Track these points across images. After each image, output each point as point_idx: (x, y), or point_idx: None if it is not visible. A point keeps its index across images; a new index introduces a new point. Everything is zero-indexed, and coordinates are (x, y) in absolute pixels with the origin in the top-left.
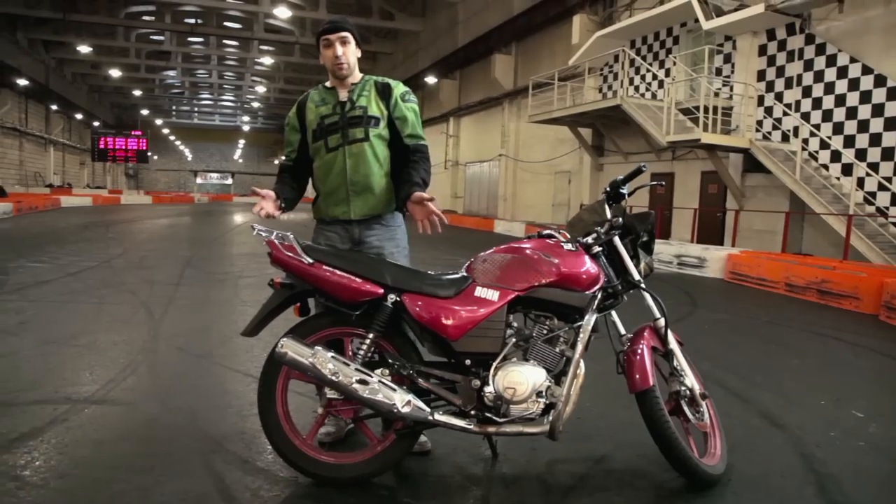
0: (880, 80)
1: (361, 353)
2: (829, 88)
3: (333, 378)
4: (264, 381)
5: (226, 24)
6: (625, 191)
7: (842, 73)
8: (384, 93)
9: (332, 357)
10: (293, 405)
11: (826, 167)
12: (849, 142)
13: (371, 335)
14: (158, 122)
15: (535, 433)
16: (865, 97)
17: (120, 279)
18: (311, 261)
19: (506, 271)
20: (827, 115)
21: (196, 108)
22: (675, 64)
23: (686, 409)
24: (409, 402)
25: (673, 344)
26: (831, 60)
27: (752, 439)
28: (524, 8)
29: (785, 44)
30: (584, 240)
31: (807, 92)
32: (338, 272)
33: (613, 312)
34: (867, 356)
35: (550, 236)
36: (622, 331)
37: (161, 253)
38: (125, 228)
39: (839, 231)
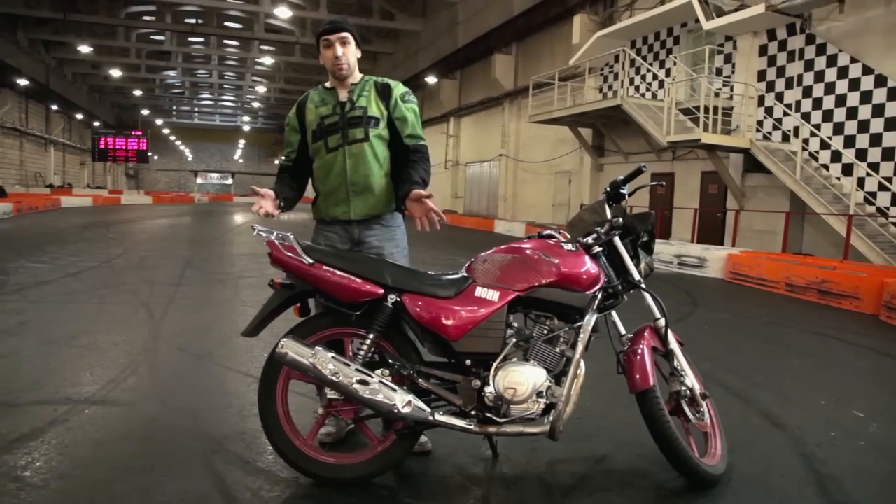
0: (881, 81)
1: (362, 353)
2: (830, 89)
3: (334, 378)
4: (265, 382)
5: (226, 24)
6: (625, 191)
7: (842, 73)
8: (384, 93)
9: (333, 357)
10: (293, 406)
11: (826, 167)
12: (849, 142)
13: (371, 335)
14: (159, 122)
15: (536, 433)
16: (866, 97)
17: (120, 279)
18: (311, 261)
19: (506, 271)
20: (827, 116)
21: (196, 108)
22: (675, 64)
23: (686, 409)
24: (409, 403)
25: (673, 344)
26: (832, 61)
27: (752, 439)
28: (524, 8)
29: (785, 44)
30: (585, 240)
31: (807, 92)
32: (338, 272)
33: (614, 312)
34: (867, 356)
35: (551, 236)
36: (622, 331)
37: (161, 253)
38: (125, 228)
39: (839, 231)
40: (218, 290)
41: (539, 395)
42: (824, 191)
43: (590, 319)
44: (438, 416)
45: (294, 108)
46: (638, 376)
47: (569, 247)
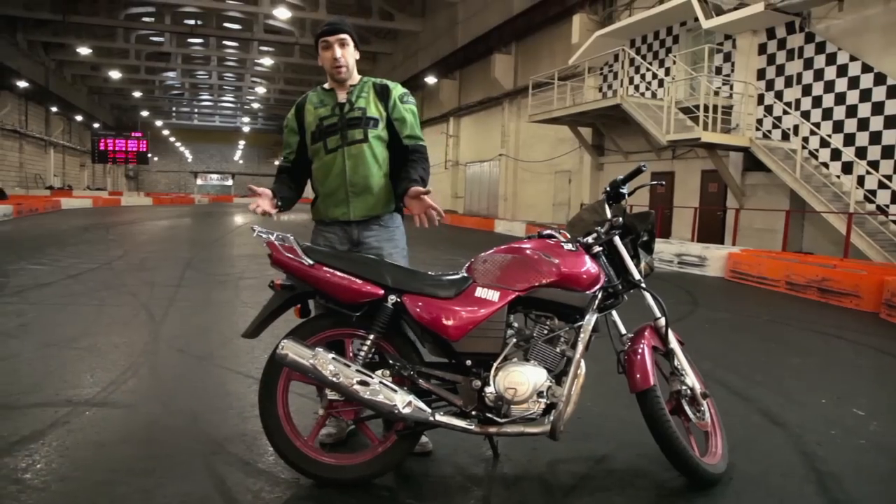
0: (880, 79)
1: (362, 354)
2: (829, 87)
3: (334, 379)
4: (265, 383)
5: (225, 25)
6: (625, 190)
7: (841, 71)
8: (383, 94)
9: (333, 358)
10: (294, 407)
11: (826, 165)
12: (849, 140)
13: (372, 336)
14: (158, 123)
15: (536, 433)
16: (865, 95)
17: (120, 281)
18: (311, 262)
19: (506, 272)
20: (827, 114)
21: (196, 110)
22: (674, 63)
23: (687, 408)
24: (409, 403)
25: (673, 343)
26: (831, 59)
27: (752, 438)
28: (524, 8)
29: (785, 42)
30: (585, 240)
31: (807, 90)
32: (338, 273)
33: (614, 312)
34: (868, 354)
35: (551, 236)
36: (623, 330)
37: (161, 254)
38: (125, 230)
39: (839, 229)
40: (218, 292)
41: (539, 395)
42: (824, 189)
43: (590, 319)
44: (439, 417)
45: (293, 109)
46: (638, 376)
47: (569, 246)
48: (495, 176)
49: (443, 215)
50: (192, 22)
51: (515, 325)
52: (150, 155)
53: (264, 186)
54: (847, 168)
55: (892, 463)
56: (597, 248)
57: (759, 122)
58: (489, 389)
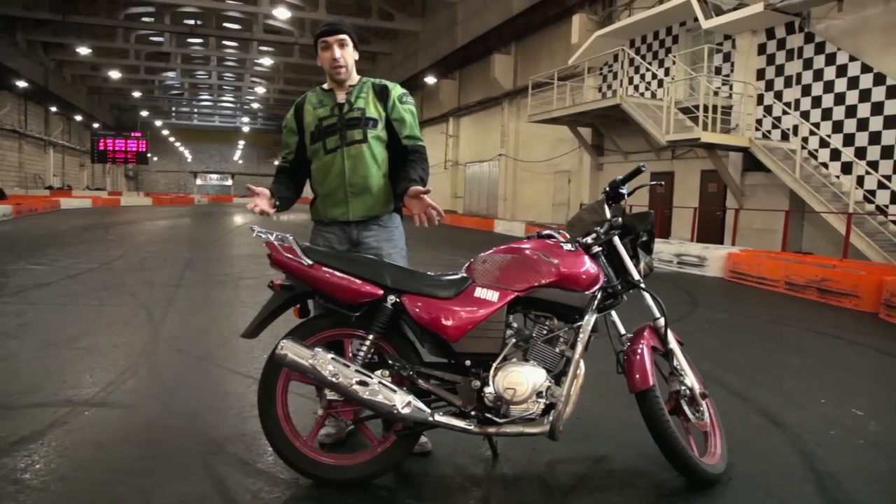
0: (879, 79)
1: (361, 354)
2: (829, 87)
3: (333, 379)
4: (264, 383)
5: (225, 25)
6: (624, 190)
7: (841, 71)
8: (382, 94)
9: (332, 358)
10: (293, 407)
11: (826, 165)
12: (848, 140)
13: (371, 336)
14: (158, 123)
15: (536, 433)
16: (865, 95)
17: (120, 281)
18: (310, 262)
19: (505, 272)
20: (826, 114)
21: (196, 110)
22: (674, 63)
23: (686, 408)
24: (409, 403)
25: (673, 343)
26: (830, 59)
27: (752, 438)
28: (523, 8)
29: (784, 42)
30: (584, 240)
31: (806, 90)
32: (337, 273)
33: (613, 312)
34: (867, 354)
35: (550, 236)
36: (622, 330)
37: (161, 254)
38: (125, 230)
39: (839, 229)
40: (218, 292)
41: (539, 395)
42: (823, 189)
43: (589, 319)
44: (438, 417)
45: (292, 109)
46: (637, 376)
47: (568, 247)
48: (495, 176)
49: (443, 215)
50: (191, 22)
51: (515, 325)
52: (149, 155)
53: (263, 186)
54: (846, 168)
55: (891, 463)
56: (596, 249)
57: (759, 122)
58: (488, 389)
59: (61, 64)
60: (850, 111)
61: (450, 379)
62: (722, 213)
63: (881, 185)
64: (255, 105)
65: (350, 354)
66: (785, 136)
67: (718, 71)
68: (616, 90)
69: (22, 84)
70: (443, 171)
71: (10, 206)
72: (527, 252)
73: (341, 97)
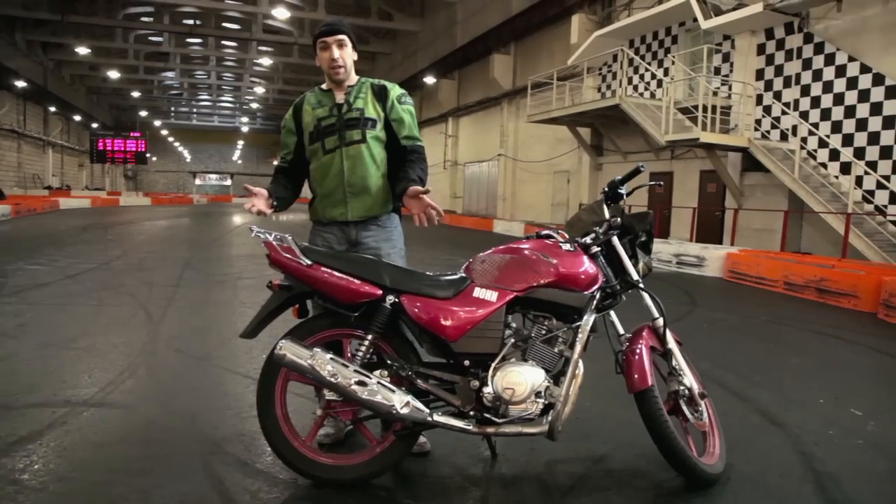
0: (878, 79)
1: (360, 354)
2: (828, 87)
3: (332, 379)
4: (263, 383)
5: (224, 25)
6: (623, 191)
7: (840, 71)
8: (381, 95)
9: (331, 358)
10: (292, 407)
11: (825, 166)
12: (847, 140)
13: (370, 336)
14: (157, 123)
15: (534, 433)
16: (864, 96)
17: (119, 281)
18: (309, 262)
19: (504, 272)
20: (825, 114)
21: (195, 110)
22: (673, 63)
23: (685, 408)
24: (407, 403)
25: (672, 343)
26: (829, 59)
27: (751, 438)
28: (523, 8)
29: (783, 43)
30: (583, 240)
31: (805, 91)
32: (336, 274)
33: (612, 312)
34: (866, 354)
35: (549, 236)
36: (621, 331)
37: (160, 255)
38: (124, 230)
39: (838, 229)
40: (217, 292)
41: (537, 395)
42: (822, 189)
43: (588, 319)
44: (437, 417)
45: (290, 110)
46: (636, 376)
47: (567, 247)
48: (494, 176)
49: (442, 215)
50: (190, 22)
51: (513, 325)
52: (148, 155)
53: (262, 187)
54: (845, 168)
55: (889, 463)
56: (595, 249)
57: (758, 122)
58: (487, 389)
59: (60, 64)
60: (849, 111)
61: (448, 379)
62: (721, 213)
63: (880, 186)
64: (255, 105)
65: (349, 354)
66: (784, 137)
67: (717, 71)
68: (615, 90)
69: (21, 84)
70: (442, 172)
71: (8, 206)
72: (526, 252)
73: (340, 97)
